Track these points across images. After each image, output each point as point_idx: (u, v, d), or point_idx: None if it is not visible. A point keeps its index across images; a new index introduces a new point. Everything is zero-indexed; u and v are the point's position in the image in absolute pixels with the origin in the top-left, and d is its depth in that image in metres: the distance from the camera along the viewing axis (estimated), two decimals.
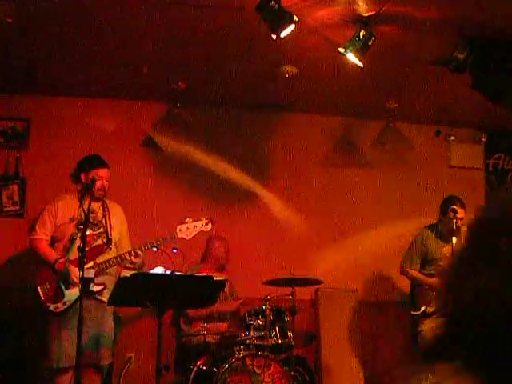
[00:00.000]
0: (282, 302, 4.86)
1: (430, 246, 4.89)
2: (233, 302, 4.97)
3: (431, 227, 4.97)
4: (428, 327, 4.74)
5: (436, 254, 4.83)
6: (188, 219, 4.18)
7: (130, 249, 4.25)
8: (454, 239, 4.33)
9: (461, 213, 4.69)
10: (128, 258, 4.10)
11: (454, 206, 4.62)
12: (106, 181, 4.26)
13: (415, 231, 5.19)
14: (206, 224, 4.21)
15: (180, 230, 4.14)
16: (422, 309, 4.77)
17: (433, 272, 4.83)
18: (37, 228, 4.23)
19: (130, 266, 4.16)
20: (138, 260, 4.12)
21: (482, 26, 4.07)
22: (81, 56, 4.74)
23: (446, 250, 4.42)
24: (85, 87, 5.44)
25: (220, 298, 4.99)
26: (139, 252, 4.11)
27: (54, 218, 4.21)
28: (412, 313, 4.86)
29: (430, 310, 4.74)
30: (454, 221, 4.47)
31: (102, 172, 4.24)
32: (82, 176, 4.25)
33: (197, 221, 4.21)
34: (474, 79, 4.29)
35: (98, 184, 4.18)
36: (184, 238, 4.15)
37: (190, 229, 4.16)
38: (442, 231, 4.79)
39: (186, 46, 4.57)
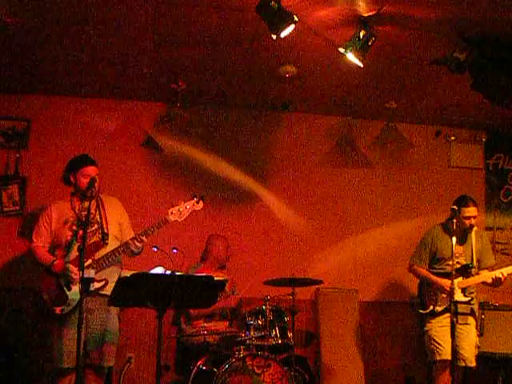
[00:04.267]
0: (282, 302, 4.87)
1: (440, 244, 4.85)
2: (232, 297, 4.96)
3: (441, 225, 4.94)
4: (435, 326, 4.73)
5: (445, 253, 4.79)
6: (178, 201, 4.16)
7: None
8: (454, 239, 4.30)
9: (472, 211, 4.68)
10: (132, 244, 4.09)
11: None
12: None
13: (415, 231, 5.18)
14: (197, 202, 4.18)
15: (172, 214, 4.12)
16: (430, 307, 4.74)
17: (441, 271, 4.80)
18: (33, 238, 4.25)
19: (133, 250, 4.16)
20: (141, 245, 4.13)
21: (481, 26, 4.07)
22: (81, 56, 4.74)
23: (455, 248, 4.39)
24: (85, 87, 5.44)
25: (221, 297, 5.01)
26: (144, 238, 4.11)
27: (49, 226, 4.22)
28: (420, 311, 4.83)
29: (438, 309, 4.71)
30: (454, 221, 4.45)
31: (89, 170, 4.19)
32: (71, 178, 4.23)
33: (187, 201, 4.19)
34: (474, 79, 4.29)
35: (85, 182, 4.13)
36: (177, 221, 4.13)
37: (182, 210, 4.14)
38: (451, 230, 4.77)
39: (186, 46, 4.57)
